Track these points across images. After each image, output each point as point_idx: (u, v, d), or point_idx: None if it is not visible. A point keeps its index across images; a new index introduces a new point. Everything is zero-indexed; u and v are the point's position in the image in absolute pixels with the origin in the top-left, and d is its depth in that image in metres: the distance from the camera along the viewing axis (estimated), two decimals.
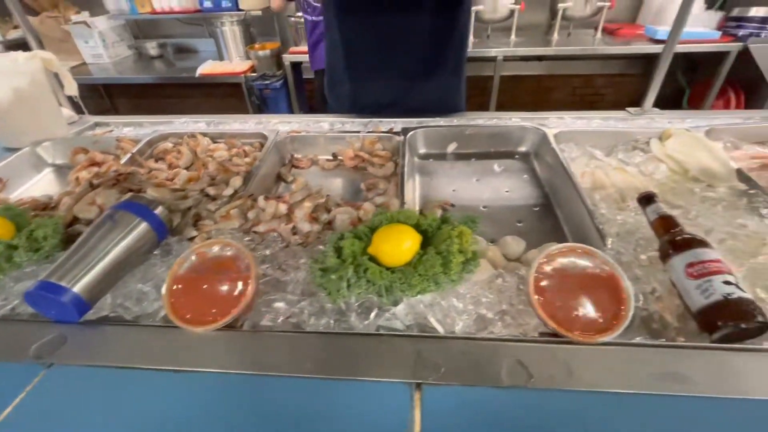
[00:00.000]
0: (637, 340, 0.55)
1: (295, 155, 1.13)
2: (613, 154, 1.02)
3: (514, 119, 1.17)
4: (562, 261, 0.59)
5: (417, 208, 0.93)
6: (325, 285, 0.58)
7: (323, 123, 1.24)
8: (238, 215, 0.77)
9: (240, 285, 0.58)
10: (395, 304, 0.60)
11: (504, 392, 0.47)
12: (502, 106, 3.88)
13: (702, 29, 2.73)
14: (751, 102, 2.88)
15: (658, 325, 0.59)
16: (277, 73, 3.07)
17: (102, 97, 3.84)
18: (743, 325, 0.53)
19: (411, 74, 1.16)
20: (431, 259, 0.55)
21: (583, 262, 0.59)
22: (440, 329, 0.58)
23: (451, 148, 1.12)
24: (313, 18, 2.24)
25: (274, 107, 3.13)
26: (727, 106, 2.97)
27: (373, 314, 0.59)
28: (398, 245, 0.57)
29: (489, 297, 0.61)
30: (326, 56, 1.24)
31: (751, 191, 0.82)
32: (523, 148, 1.10)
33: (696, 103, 3.19)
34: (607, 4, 2.88)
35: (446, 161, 1.11)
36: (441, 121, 1.18)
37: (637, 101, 3.91)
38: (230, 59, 3.26)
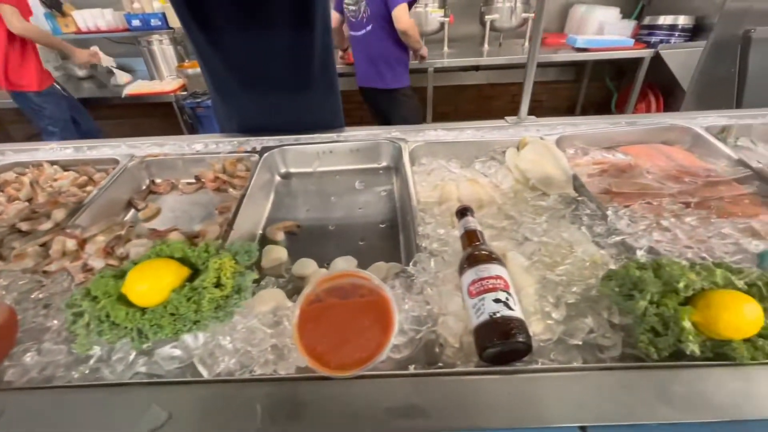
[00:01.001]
0: (411, 369, 0.53)
1: (156, 180, 1.08)
2: (472, 166, 1.01)
3: (394, 132, 1.16)
4: (334, 289, 0.56)
5: (260, 231, 0.89)
6: (77, 331, 0.53)
7: (197, 144, 1.19)
8: (38, 254, 0.71)
9: None
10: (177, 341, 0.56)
11: None
12: (445, 116, 3.95)
13: (617, 37, 2.85)
14: (669, 103, 3.02)
15: (440, 349, 0.56)
16: (208, 91, 3.00)
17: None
18: (503, 345, 0.51)
19: (277, 94, 1.13)
20: (179, 297, 0.51)
21: (357, 289, 0.56)
22: (204, 372, 0.53)
23: (315, 165, 1.09)
24: (351, 33, 2.27)
25: (209, 125, 3.06)
26: (648, 108, 3.11)
27: (131, 359, 0.54)
28: (151, 283, 0.53)
29: (267, 331, 0.57)
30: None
31: (579, 198, 0.82)
32: (385, 164, 1.09)
33: (622, 106, 3.32)
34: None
35: (310, 179, 1.08)
36: (318, 138, 1.15)
37: (572, 107, 4.01)
38: (161, 78, 3.18)
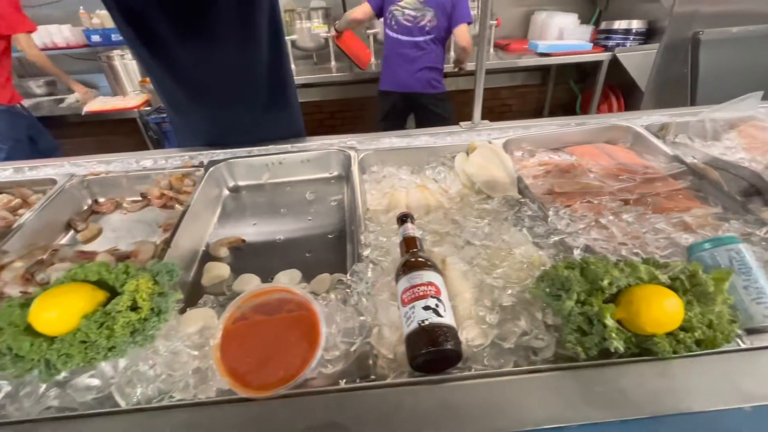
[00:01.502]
0: (342, 383, 0.51)
1: (99, 199, 1.04)
2: (422, 172, 1.01)
3: (350, 141, 1.14)
4: (260, 305, 0.55)
5: (202, 248, 0.86)
6: None
7: (146, 160, 1.15)
8: None
9: None
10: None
11: None
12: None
13: (577, 42, 2.95)
14: (629, 103, 3.13)
15: (374, 361, 0.55)
16: None
17: None
18: (431, 354, 0.50)
19: (228, 108, 1.11)
20: (90, 323, 0.48)
21: (284, 304, 0.55)
22: (121, 402, 0.50)
23: (265, 177, 1.07)
24: (400, 37, 2.25)
25: (175, 141, 2.99)
26: (611, 109, 3.21)
27: (41, 392, 0.50)
28: (59, 310, 0.50)
29: (192, 353, 0.54)
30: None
31: (522, 200, 0.83)
32: (336, 173, 1.08)
33: (586, 107, 3.43)
34: (493, 22, 3.06)
35: (260, 191, 1.06)
36: (272, 149, 1.14)
37: (539, 109, 4.09)
38: (124, 94, 3.11)
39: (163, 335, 0.55)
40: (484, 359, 0.54)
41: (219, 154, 1.12)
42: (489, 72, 3.87)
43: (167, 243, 0.76)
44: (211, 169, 1.00)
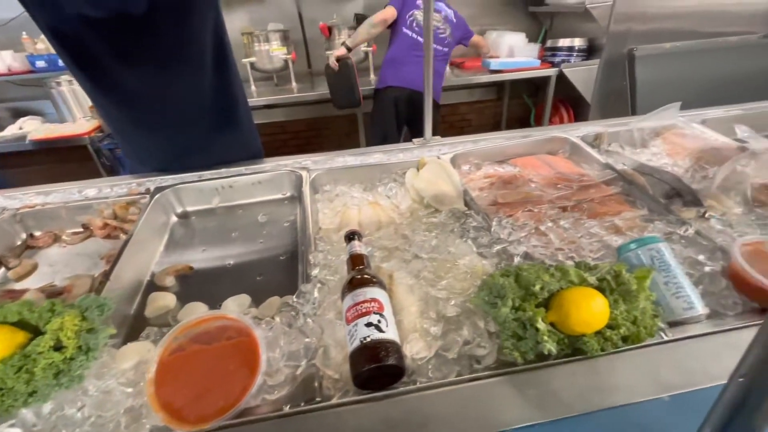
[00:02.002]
0: (286, 409, 0.50)
1: (34, 233, 0.98)
2: (375, 189, 1.03)
3: (305, 162, 1.15)
4: (199, 335, 0.53)
5: (147, 278, 0.83)
6: None
7: (90, 189, 1.10)
8: None
9: None
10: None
11: None
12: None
13: (525, 59, 3.13)
14: (578, 115, 3.34)
15: (320, 382, 0.54)
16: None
17: None
18: (372, 371, 0.50)
19: (174, 133, 1.09)
20: (5, 368, 0.45)
21: (224, 331, 0.54)
22: None
23: (215, 201, 1.05)
24: (419, 39, 2.34)
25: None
26: (561, 121, 3.41)
27: None
28: None
29: (127, 390, 0.52)
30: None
31: (468, 212, 0.86)
32: (289, 193, 1.08)
33: (539, 120, 3.62)
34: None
35: (211, 216, 1.03)
36: (225, 173, 1.12)
37: (497, 123, 4.25)
38: (74, 120, 2.98)
39: (93, 374, 0.52)
40: (429, 371, 0.55)
41: (167, 179, 1.09)
42: (447, 89, 4.00)
43: (106, 275, 0.72)
44: (157, 195, 0.97)
